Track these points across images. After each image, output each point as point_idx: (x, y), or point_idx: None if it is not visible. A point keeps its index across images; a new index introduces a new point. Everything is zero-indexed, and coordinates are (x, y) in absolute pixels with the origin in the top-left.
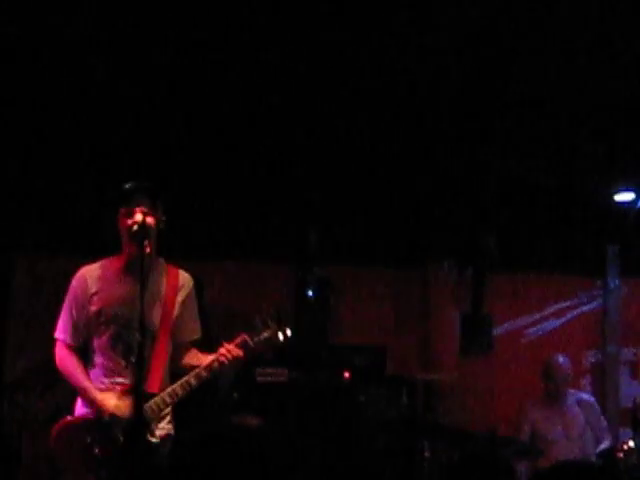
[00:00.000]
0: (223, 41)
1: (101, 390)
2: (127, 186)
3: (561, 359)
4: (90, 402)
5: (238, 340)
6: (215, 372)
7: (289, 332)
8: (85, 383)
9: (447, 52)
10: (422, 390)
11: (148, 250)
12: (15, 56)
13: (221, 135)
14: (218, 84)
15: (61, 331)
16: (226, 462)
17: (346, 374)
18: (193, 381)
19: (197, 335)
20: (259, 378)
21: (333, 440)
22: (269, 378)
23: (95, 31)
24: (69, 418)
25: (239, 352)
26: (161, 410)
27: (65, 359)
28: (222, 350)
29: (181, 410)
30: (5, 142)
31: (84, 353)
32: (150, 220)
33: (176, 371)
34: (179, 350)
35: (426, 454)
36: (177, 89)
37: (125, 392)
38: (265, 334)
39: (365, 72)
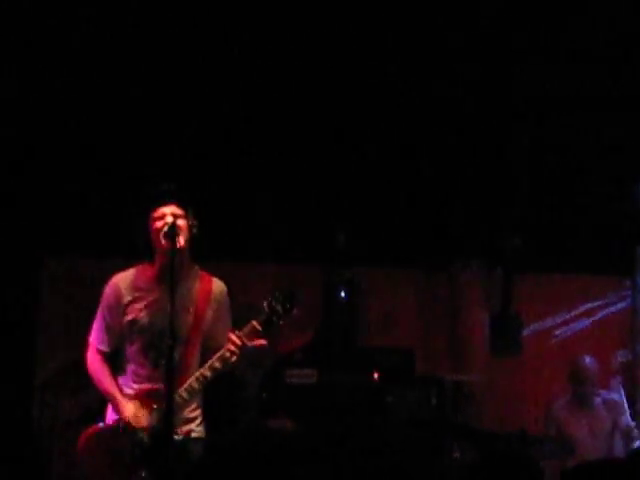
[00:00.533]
0: (248, 38)
1: (129, 396)
2: (157, 189)
3: (588, 360)
4: (114, 408)
5: (246, 328)
6: (228, 362)
7: (296, 310)
8: (111, 389)
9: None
10: (451, 391)
11: (180, 245)
12: (46, 54)
13: (249, 136)
14: (244, 85)
15: (94, 337)
16: (257, 466)
17: (375, 375)
18: (208, 373)
19: None
20: (288, 379)
21: (362, 441)
22: (298, 379)
23: (115, 28)
24: (97, 426)
25: (246, 341)
26: (181, 407)
27: (95, 364)
28: (231, 337)
29: (211, 412)
30: (36, 140)
31: (115, 359)
32: (181, 222)
33: None
34: (210, 354)
35: (455, 455)
36: (203, 91)
37: (149, 396)
38: (273, 317)
39: (389, 73)
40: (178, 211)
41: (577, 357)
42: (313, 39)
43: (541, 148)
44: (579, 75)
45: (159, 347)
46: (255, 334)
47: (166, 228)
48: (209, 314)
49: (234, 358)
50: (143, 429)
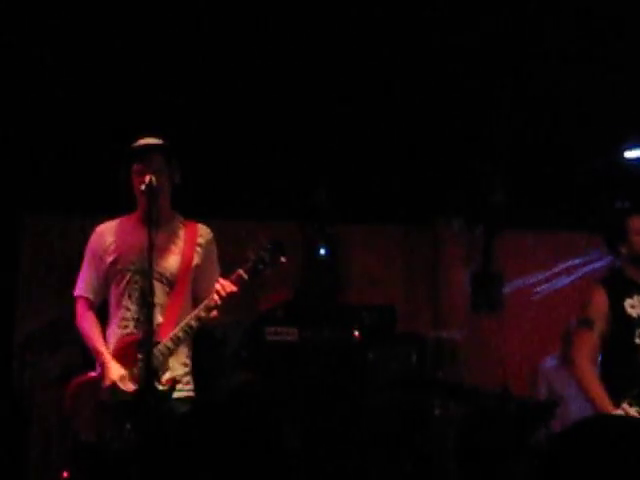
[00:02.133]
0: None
1: (115, 349)
2: (142, 142)
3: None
4: (100, 366)
5: (233, 276)
6: (212, 310)
7: (284, 259)
8: (98, 346)
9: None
10: (432, 348)
11: (160, 205)
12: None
13: (230, 93)
14: (226, 41)
15: (81, 287)
16: (236, 424)
17: (356, 333)
18: (193, 323)
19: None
20: (269, 337)
21: (343, 398)
22: (279, 337)
23: None
24: (87, 375)
25: (232, 287)
26: (165, 357)
27: (83, 318)
28: (217, 286)
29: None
30: (14, 98)
31: (103, 312)
32: (160, 179)
33: None
34: (198, 303)
35: (436, 412)
36: (184, 46)
37: (133, 346)
38: (259, 265)
39: (373, 32)
40: (159, 166)
41: (571, 319)
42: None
43: (524, 105)
44: (566, 30)
45: (142, 286)
46: (240, 282)
47: (143, 187)
48: (196, 259)
49: (219, 305)
50: (129, 391)
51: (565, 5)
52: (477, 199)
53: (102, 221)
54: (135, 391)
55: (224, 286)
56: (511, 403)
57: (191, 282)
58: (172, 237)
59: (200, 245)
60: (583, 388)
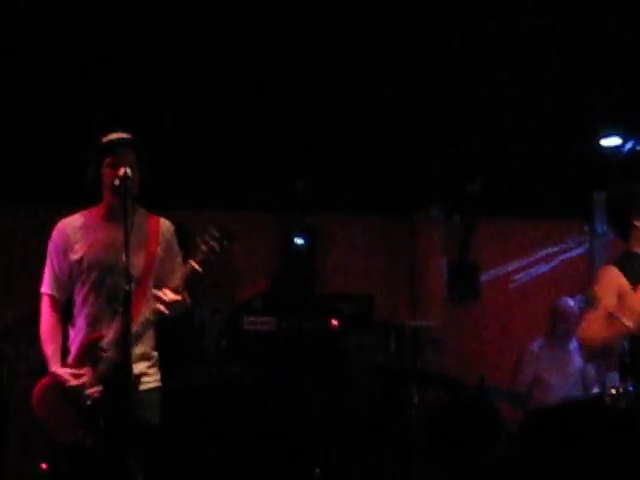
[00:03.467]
0: None
1: (81, 346)
2: (114, 136)
3: (571, 301)
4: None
5: (184, 270)
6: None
7: (227, 242)
8: (48, 351)
9: None
10: (410, 337)
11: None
12: None
13: (207, 82)
14: (200, 30)
15: (46, 284)
16: (215, 413)
17: (334, 322)
18: (151, 317)
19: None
20: (247, 327)
21: (321, 388)
22: (257, 327)
23: None
24: (48, 379)
25: (174, 297)
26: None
27: (45, 319)
28: (159, 294)
29: (170, 360)
30: None
31: (68, 310)
32: (133, 174)
33: None
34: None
35: (414, 400)
36: (160, 35)
37: (95, 346)
38: (211, 256)
39: (353, 22)
40: (132, 161)
41: (560, 298)
42: None
43: (500, 94)
44: (542, 16)
45: (111, 285)
46: (193, 274)
47: (117, 182)
48: (159, 253)
49: (166, 312)
50: (84, 387)
51: None
52: (454, 188)
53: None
54: (91, 386)
55: (166, 296)
56: (488, 391)
57: (154, 275)
58: (136, 232)
59: (163, 238)
60: (602, 340)
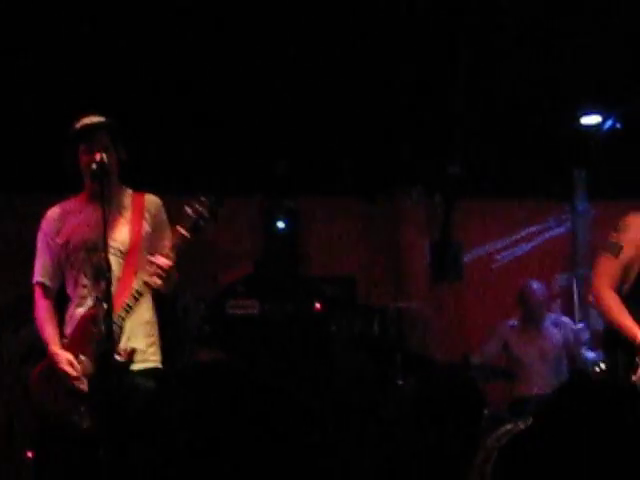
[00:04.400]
0: None
1: (74, 329)
2: (86, 122)
3: (535, 285)
4: (49, 355)
5: (173, 237)
6: (158, 276)
7: (215, 207)
8: (46, 334)
9: None
10: (394, 319)
11: (109, 183)
12: None
13: (187, 65)
14: (180, 18)
15: (37, 274)
16: (200, 398)
17: (317, 305)
18: (141, 289)
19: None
20: (230, 310)
21: (305, 371)
22: (240, 310)
23: None
24: (45, 362)
25: (166, 262)
26: (120, 327)
27: (39, 307)
28: (152, 259)
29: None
30: None
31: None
32: (110, 157)
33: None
34: None
35: (398, 382)
36: (138, 22)
37: (89, 322)
38: (200, 221)
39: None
40: (106, 145)
41: (525, 281)
42: None
43: (480, 74)
44: (519, 4)
45: (96, 263)
46: (183, 241)
47: (94, 166)
48: (146, 227)
49: (160, 276)
50: (73, 377)
51: None
52: (435, 169)
53: (57, 200)
54: (87, 370)
55: (158, 263)
56: (471, 371)
57: (144, 249)
58: (120, 210)
59: (149, 212)
60: (608, 316)
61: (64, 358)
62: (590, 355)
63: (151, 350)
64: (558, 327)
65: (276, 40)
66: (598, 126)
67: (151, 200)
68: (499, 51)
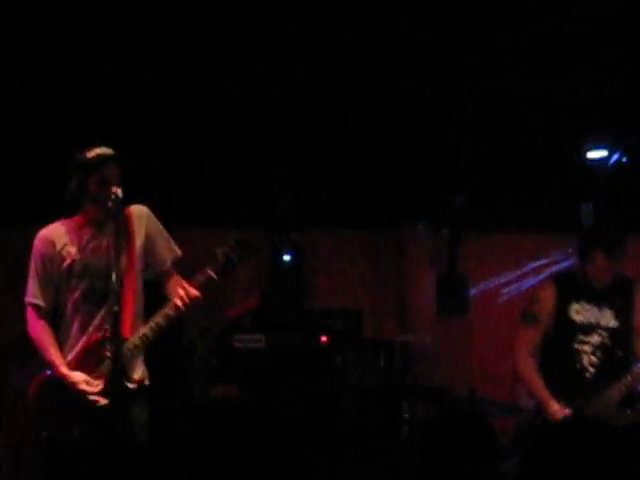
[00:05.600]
0: None
1: (79, 351)
2: (100, 152)
3: None
4: (60, 377)
5: (200, 277)
6: (180, 311)
7: (244, 253)
8: (52, 357)
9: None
10: (399, 352)
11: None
12: None
13: (193, 98)
14: (180, 43)
15: (31, 294)
16: (207, 434)
17: (323, 338)
18: (162, 322)
19: (176, 253)
20: (236, 344)
21: (311, 404)
22: (247, 344)
23: None
24: (43, 376)
25: (194, 293)
26: (134, 355)
27: (35, 327)
28: (180, 291)
29: (158, 379)
30: None
31: (55, 318)
32: (122, 193)
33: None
34: (162, 279)
35: (405, 415)
36: (134, 48)
37: (100, 345)
38: (228, 265)
39: (330, 30)
40: (117, 176)
41: None
42: None
43: (486, 107)
44: (525, 31)
45: (101, 291)
46: (210, 282)
47: (111, 204)
48: (138, 241)
49: (182, 311)
50: (92, 395)
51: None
52: (441, 203)
53: None
54: (103, 390)
55: (187, 292)
56: (479, 405)
57: (139, 270)
58: (121, 236)
59: (138, 225)
60: (524, 381)
61: (80, 378)
62: None
63: (145, 376)
64: None
65: (285, 76)
66: (604, 160)
67: (137, 210)
68: (505, 84)
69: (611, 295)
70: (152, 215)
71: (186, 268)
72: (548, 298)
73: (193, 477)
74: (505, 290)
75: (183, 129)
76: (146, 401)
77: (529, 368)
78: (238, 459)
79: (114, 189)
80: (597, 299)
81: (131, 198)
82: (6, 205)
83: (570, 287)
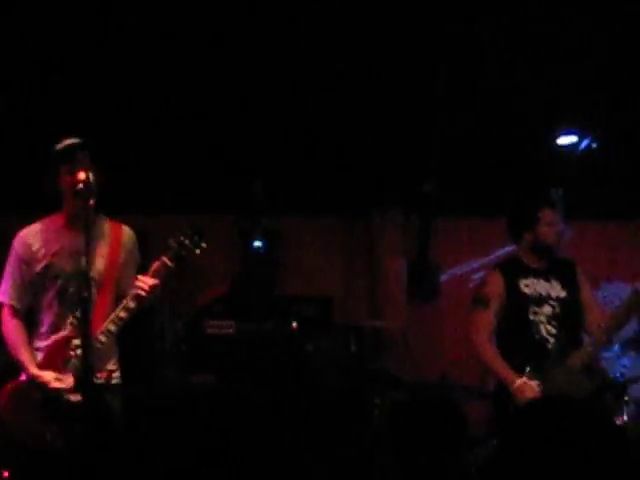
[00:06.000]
0: None
1: (47, 351)
2: (68, 143)
3: None
4: (29, 377)
5: (156, 265)
6: (141, 301)
7: (204, 244)
8: (23, 357)
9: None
10: (370, 338)
11: (92, 205)
12: None
13: (163, 83)
14: (154, 31)
15: (5, 294)
16: (177, 418)
17: (293, 324)
18: (122, 314)
19: None
20: (207, 330)
21: (282, 390)
22: (217, 330)
23: None
24: (17, 381)
25: (153, 281)
26: (100, 350)
27: (8, 327)
28: (137, 283)
29: (129, 364)
30: None
31: (29, 317)
32: (92, 177)
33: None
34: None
35: (375, 401)
36: (110, 40)
37: (66, 345)
38: (182, 251)
39: (311, 25)
40: (88, 165)
41: None
42: None
43: (457, 91)
44: (498, 18)
45: (74, 292)
46: (166, 269)
47: (81, 185)
48: (121, 259)
49: (145, 297)
50: (65, 391)
51: None
52: (411, 188)
53: (32, 219)
54: (70, 388)
55: (144, 281)
56: (449, 391)
57: (116, 280)
58: (99, 238)
59: (125, 246)
60: (486, 363)
61: (50, 377)
62: None
63: (114, 367)
64: None
65: (257, 61)
66: (574, 146)
67: (128, 234)
68: (476, 69)
69: (557, 269)
70: (137, 244)
71: (157, 254)
72: (496, 280)
73: (167, 466)
74: (475, 276)
75: (154, 115)
76: (118, 392)
77: (490, 350)
78: (211, 445)
79: (81, 174)
80: (544, 274)
81: (106, 186)
82: None
83: (515, 268)
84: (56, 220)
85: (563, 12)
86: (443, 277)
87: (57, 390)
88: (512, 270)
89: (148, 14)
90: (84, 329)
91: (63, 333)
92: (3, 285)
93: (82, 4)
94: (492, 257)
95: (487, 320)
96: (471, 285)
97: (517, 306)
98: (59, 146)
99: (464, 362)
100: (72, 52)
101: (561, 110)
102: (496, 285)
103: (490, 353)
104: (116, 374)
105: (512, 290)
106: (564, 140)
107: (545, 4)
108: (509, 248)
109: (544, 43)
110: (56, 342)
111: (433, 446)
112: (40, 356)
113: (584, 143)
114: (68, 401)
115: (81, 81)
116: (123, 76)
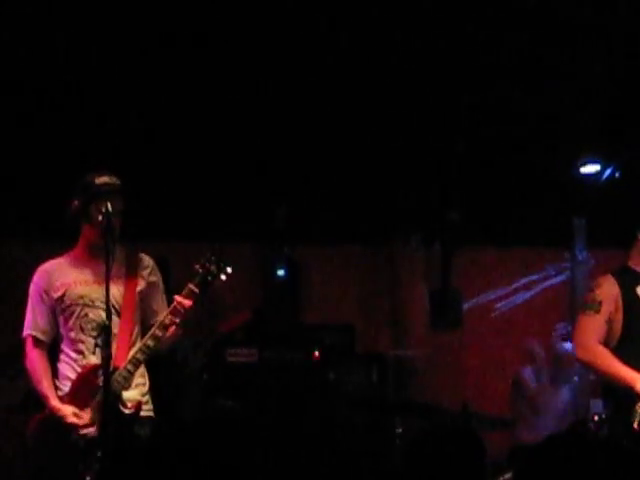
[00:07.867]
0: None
1: (74, 382)
2: (108, 182)
3: (526, 373)
4: (49, 411)
5: (184, 292)
6: (168, 327)
7: (229, 269)
8: (44, 389)
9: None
10: (392, 367)
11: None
12: None
13: (186, 111)
14: (174, 59)
15: (29, 327)
16: (200, 447)
17: (316, 353)
18: (150, 342)
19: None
20: (230, 359)
21: (304, 419)
22: (240, 358)
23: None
24: (43, 414)
25: (188, 302)
26: (127, 380)
27: (30, 357)
28: (174, 303)
29: (151, 393)
30: None
31: (53, 352)
32: (119, 218)
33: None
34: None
35: (398, 430)
36: (132, 65)
37: (94, 374)
38: (208, 277)
39: (333, 50)
40: (120, 207)
41: (517, 371)
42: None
43: (478, 121)
44: (520, 45)
45: (94, 318)
46: (192, 296)
47: (103, 210)
48: (140, 287)
49: (174, 322)
50: (80, 426)
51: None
52: (433, 216)
53: (51, 248)
54: (93, 421)
55: (181, 302)
56: (472, 420)
57: (137, 308)
58: (117, 267)
59: (143, 272)
60: (601, 368)
61: (69, 411)
62: (567, 346)
63: (145, 399)
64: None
65: (279, 89)
66: (597, 175)
67: (146, 261)
68: (499, 98)
69: None
70: (157, 269)
71: (180, 283)
72: (610, 284)
73: None
74: (498, 305)
75: (176, 142)
76: (148, 419)
77: (604, 354)
78: (232, 473)
79: (117, 220)
80: None
81: (128, 213)
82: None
83: (627, 275)
84: (76, 252)
85: (587, 43)
86: (465, 306)
87: (73, 425)
88: (624, 277)
89: (174, 41)
90: (106, 358)
91: (91, 363)
92: (26, 319)
93: (107, 29)
94: (514, 286)
95: (597, 324)
96: (493, 314)
97: (637, 314)
98: (98, 181)
99: (486, 391)
100: (93, 76)
101: (584, 139)
102: (610, 288)
103: (605, 356)
104: (147, 406)
105: (629, 297)
106: (587, 169)
107: (570, 33)
108: (532, 277)
109: (569, 72)
110: (84, 373)
111: (452, 477)
112: (67, 387)
113: (607, 172)
114: (84, 435)
115: (101, 108)
116: (143, 103)
